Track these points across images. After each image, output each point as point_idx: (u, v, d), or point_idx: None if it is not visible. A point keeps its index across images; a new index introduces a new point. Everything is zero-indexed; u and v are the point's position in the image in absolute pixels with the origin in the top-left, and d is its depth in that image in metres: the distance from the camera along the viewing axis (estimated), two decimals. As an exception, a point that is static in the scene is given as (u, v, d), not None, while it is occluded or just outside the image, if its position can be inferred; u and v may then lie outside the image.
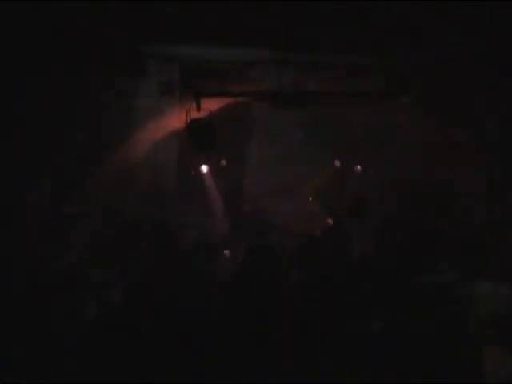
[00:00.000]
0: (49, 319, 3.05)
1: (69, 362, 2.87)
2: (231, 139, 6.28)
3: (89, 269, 3.63)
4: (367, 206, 6.69)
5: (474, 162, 5.87)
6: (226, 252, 4.67)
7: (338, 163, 7.72)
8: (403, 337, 2.94)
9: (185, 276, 3.42)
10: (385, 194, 7.78)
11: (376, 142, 5.46)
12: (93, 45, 3.96)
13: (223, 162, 7.66)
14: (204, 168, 7.59)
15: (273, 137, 5.49)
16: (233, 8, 3.63)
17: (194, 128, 5.41)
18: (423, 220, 6.50)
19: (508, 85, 4.20)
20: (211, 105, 5.63)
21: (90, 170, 5.90)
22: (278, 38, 4.19)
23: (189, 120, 5.41)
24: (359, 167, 7.77)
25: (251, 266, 3.37)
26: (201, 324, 3.04)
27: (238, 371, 2.81)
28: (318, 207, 6.72)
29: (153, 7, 3.56)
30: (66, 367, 2.83)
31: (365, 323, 3.01)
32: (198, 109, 5.30)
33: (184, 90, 5.21)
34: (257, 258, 3.44)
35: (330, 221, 5.52)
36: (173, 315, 3.08)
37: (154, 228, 5.08)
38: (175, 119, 6.07)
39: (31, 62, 3.86)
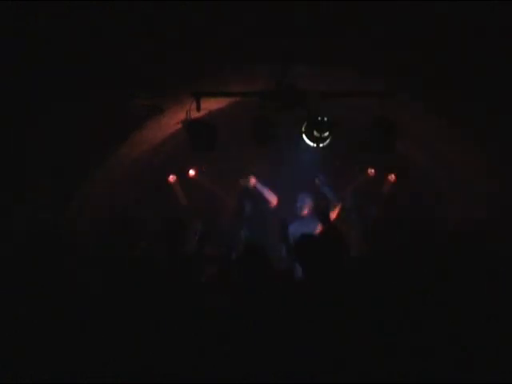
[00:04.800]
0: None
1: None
2: (231, 139, 6.29)
3: None
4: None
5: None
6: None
7: (372, 172, 7.75)
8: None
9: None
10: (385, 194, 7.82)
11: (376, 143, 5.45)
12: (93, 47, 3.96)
13: (192, 173, 7.68)
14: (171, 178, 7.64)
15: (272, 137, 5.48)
16: (232, 8, 3.62)
17: (194, 128, 5.42)
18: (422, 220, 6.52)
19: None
20: (211, 105, 5.64)
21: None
22: (279, 38, 4.19)
23: (189, 120, 5.41)
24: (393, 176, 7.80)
25: (247, 265, 3.38)
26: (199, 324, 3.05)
27: (238, 371, 2.82)
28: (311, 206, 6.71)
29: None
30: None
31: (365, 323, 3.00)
32: (198, 109, 5.30)
33: (184, 89, 5.21)
34: (253, 256, 3.45)
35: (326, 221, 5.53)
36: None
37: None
38: (175, 119, 6.08)
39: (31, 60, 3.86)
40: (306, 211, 6.45)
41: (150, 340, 2.93)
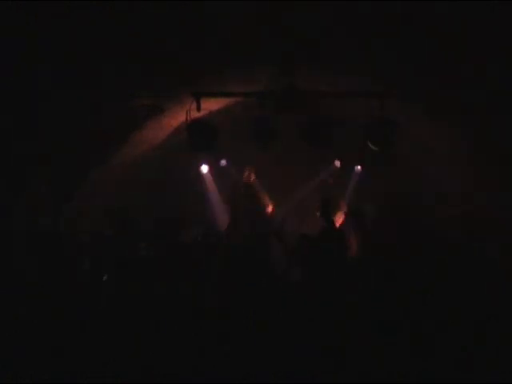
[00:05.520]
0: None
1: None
2: (231, 139, 6.28)
3: None
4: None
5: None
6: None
7: (337, 163, 7.74)
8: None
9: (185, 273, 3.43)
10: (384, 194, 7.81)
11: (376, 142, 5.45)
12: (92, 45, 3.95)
13: (223, 162, 7.67)
14: (204, 168, 7.62)
15: (272, 137, 5.48)
16: (233, 8, 3.62)
17: (194, 128, 5.42)
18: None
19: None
20: (211, 105, 5.63)
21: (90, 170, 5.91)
22: (279, 38, 4.19)
23: (189, 120, 5.41)
24: (359, 167, 7.80)
25: (246, 264, 3.39)
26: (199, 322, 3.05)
27: (238, 371, 2.82)
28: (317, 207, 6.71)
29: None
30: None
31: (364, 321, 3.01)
32: (198, 109, 5.30)
33: (184, 89, 5.21)
34: (252, 256, 3.46)
35: (325, 221, 5.52)
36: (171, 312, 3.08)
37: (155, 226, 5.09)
38: (175, 119, 6.08)
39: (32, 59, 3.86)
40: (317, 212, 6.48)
41: (150, 340, 2.93)
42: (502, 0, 3.31)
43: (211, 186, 7.83)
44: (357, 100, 5.55)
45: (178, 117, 5.90)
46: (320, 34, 4.10)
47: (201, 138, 5.42)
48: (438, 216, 6.85)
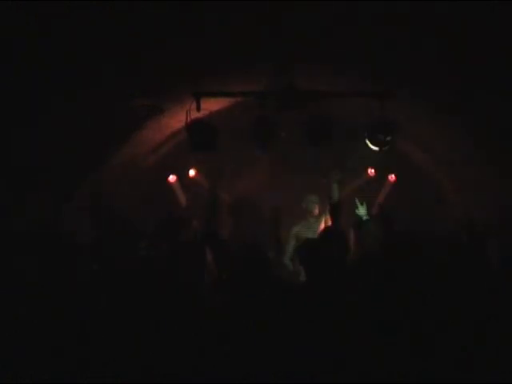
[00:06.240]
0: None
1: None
2: (231, 139, 6.28)
3: None
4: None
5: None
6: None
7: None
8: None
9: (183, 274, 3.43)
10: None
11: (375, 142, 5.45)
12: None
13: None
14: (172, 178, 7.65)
15: (272, 137, 5.48)
16: (233, 8, 3.62)
17: (194, 128, 5.42)
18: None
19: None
20: (211, 105, 5.64)
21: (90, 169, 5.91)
22: (279, 38, 4.19)
23: (189, 120, 5.41)
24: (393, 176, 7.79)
25: (247, 264, 3.39)
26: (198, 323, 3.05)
27: (238, 371, 2.82)
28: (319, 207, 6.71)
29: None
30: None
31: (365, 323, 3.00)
32: (198, 109, 5.31)
33: (184, 89, 5.21)
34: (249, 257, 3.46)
35: (328, 221, 5.52)
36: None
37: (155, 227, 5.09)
38: (175, 119, 6.08)
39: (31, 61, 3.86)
40: (315, 212, 6.44)
41: (150, 340, 2.93)
42: (502, 0, 3.31)
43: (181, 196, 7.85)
44: (357, 100, 5.56)
45: (177, 117, 5.90)
46: (320, 34, 4.10)
47: (201, 138, 5.43)
48: (438, 216, 6.86)
